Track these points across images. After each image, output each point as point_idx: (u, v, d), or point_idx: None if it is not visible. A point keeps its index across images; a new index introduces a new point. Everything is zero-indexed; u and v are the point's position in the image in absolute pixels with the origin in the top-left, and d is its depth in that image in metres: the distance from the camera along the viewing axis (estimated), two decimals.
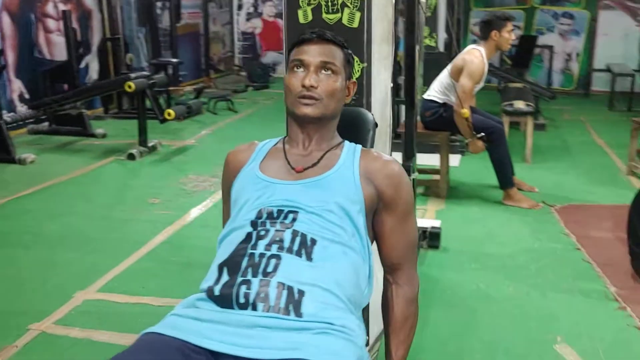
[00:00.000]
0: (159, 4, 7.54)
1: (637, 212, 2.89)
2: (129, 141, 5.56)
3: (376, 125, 1.73)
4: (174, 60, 7.03)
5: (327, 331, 1.13)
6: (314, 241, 1.26)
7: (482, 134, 3.90)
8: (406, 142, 2.79)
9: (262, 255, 1.23)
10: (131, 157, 5.01)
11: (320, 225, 1.28)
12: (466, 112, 3.79)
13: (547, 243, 3.38)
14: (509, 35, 3.98)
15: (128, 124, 6.32)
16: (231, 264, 1.24)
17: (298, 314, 1.15)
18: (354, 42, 2.00)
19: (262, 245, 1.25)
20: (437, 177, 4.25)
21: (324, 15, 2.01)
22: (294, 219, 1.28)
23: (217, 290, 1.21)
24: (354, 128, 1.66)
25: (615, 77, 7.65)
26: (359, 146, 1.47)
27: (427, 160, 4.38)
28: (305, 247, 1.24)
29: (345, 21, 2.00)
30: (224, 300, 1.19)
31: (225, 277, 1.23)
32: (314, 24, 2.03)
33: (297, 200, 1.31)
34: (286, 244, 1.24)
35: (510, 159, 4.09)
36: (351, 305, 1.23)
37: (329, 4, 2.00)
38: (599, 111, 7.56)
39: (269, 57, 10.42)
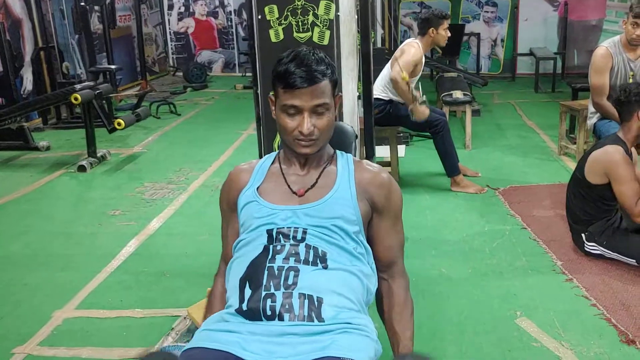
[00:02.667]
0: (93, 8, 7.40)
1: (573, 192, 3.18)
2: (75, 152, 5.51)
3: (356, 136, 1.88)
4: (113, 66, 6.94)
5: (347, 330, 1.31)
6: (324, 253, 1.42)
7: (424, 97, 4.12)
8: (366, 142, 2.96)
9: (280, 268, 1.38)
10: (82, 168, 4.97)
11: (327, 241, 1.45)
12: (406, 76, 4.00)
13: (497, 225, 3.66)
14: (445, 33, 4.23)
15: (70, 134, 6.24)
16: (252, 278, 1.39)
17: (320, 319, 1.31)
18: None
19: (279, 259, 1.40)
20: (388, 169, 4.46)
21: (295, 34, 2.16)
22: (304, 236, 1.44)
23: (245, 306, 1.35)
24: (337, 143, 1.78)
25: (538, 60, 8.12)
26: (350, 156, 1.62)
27: (376, 153, 4.58)
28: (319, 257, 1.41)
29: (315, 39, 2.15)
30: (253, 314, 1.33)
31: (248, 292, 1.37)
32: (286, 42, 2.17)
33: (304, 223, 1.47)
34: (302, 256, 1.40)
35: (454, 147, 4.35)
36: (361, 306, 1.40)
37: (300, 23, 2.14)
38: (525, 94, 8.01)
39: (204, 56, 10.39)
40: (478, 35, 9.03)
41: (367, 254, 1.51)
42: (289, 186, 1.55)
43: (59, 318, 2.75)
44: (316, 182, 1.55)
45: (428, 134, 4.69)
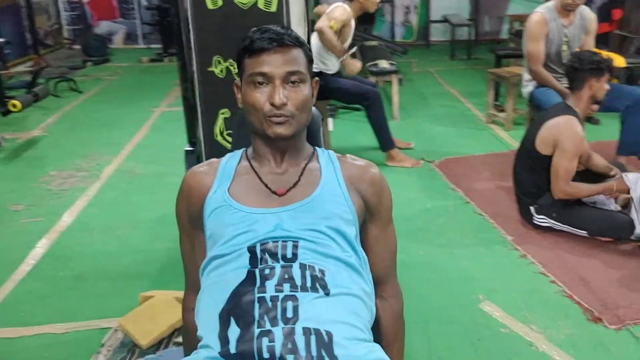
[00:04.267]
0: None
1: (521, 164, 3.09)
2: None
3: (323, 119, 1.62)
4: (0, 40, 6.17)
5: None
6: (322, 272, 1.14)
7: (354, 48, 3.94)
8: None
9: (274, 298, 1.08)
10: None
11: (321, 253, 1.16)
12: (334, 24, 3.81)
13: (439, 201, 3.52)
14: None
15: None
16: (239, 312, 1.08)
17: (333, 358, 1.03)
18: None
19: (271, 286, 1.10)
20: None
21: (237, 0, 1.83)
22: (294, 252, 1.15)
23: (233, 348, 1.04)
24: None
25: (454, 27, 8.11)
26: (332, 152, 1.36)
27: None
28: (317, 280, 1.12)
29: (261, 5, 1.84)
30: (244, 358, 1.03)
31: (235, 330, 1.06)
32: (225, 9, 1.85)
33: (290, 229, 1.18)
34: (298, 281, 1.11)
35: (387, 119, 4.17)
36: (369, 333, 1.14)
37: None
38: (442, 61, 8.00)
39: (103, 27, 9.59)
40: (391, 2, 8.90)
41: (365, 264, 1.25)
42: (265, 185, 1.26)
43: None
44: (299, 179, 1.27)
45: (358, 106, 4.49)
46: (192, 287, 1.34)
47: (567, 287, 2.56)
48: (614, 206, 3.01)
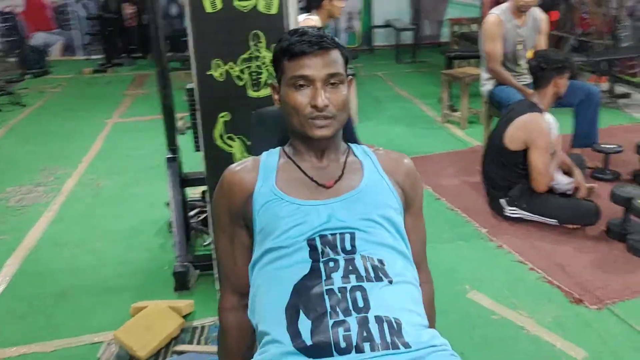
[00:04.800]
0: None
1: (491, 159, 3.21)
2: None
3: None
4: None
5: (436, 352, 1.07)
6: (381, 262, 1.17)
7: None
8: None
9: (342, 289, 1.10)
10: None
11: (377, 243, 1.19)
12: None
13: None
14: (340, 3, 4.06)
15: None
16: (308, 305, 1.09)
17: (406, 344, 1.06)
18: (274, 30, 1.89)
19: (337, 278, 1.11)
20: None
21: (236, 3, 1.84)
22: (353, 244, 1.17)
23: (308, 340, 1.05)
24: None
25: (399, 31, 8.30)
26: (365, 146, 1.39)
27: None
28: (379, 270, 1.15)
29: (261, 8, 1.85)
30: (321, 349, 1.04)
31: (306, 322, 1.07)
32: (225, 13, 1.85)
33: (344, 219, 1.20)
34: (362, 272, 1.13)
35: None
36: (426, 318, 1.18)
37: None
38: (388, 65, 8.16)
39: (38, 38, 9.25)
40: None
41: (408, 247, 1.29)
42: (311, 179, 1.27)
43: None
44: (342, 172, 1.29)
45: None
46: (231, 287, 1.34)
47: (546, 273, 2.68)
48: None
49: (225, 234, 1.32)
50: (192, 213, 3.20)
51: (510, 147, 3.06)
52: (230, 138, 1.96)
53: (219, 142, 1.96)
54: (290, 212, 1.21)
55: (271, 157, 1.34)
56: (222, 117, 1.93)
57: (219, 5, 1.83)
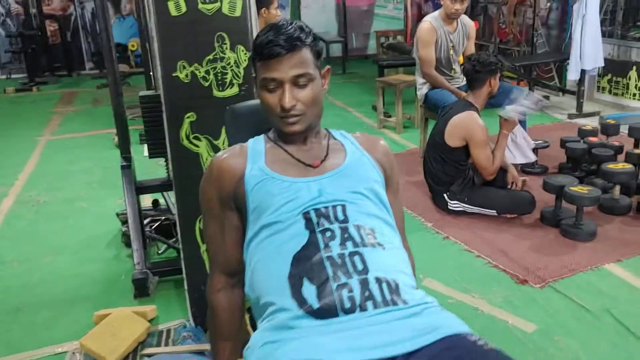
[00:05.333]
0: None
1: (433, 157, 3.39)
2: None
3: None
4: None
5: (429, 308, 1.18)
6: (372, 230, 1.26)
7: None
8: None
9: (341, 255, 1.18)
10: None
11: (366, 213, 1.28)
12: None
13: None
14: (276, 12, 4.17)
15: None
16: (311, 272, 1.17)
17: (404, 302, 1.16)
18: (238, 32, 1.96)
19: (335, 245, 1.20)
20: None
21: (201, 6, 1.90)
22: (345, 214, 1.26)
23: (315, 304, 1.13)
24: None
25: (328, 44, 8.51)
26: (343, 131, 1.49)
27: None
28: (372, 237, 1.24)
29: (225, 10, 1.92)
30: (327, 311, 1.12)
31: (310, 288, 1.15)
32: (190, 15, 1.90)
33: (335, 193, 1.28)
34: (357, 239, 1.22)
35: None
36: (415, 281, 1.28)
37: None
38: None
39: None
40: None
41: (394, 223, 1.39)
42: (298, 160, 1.36)
43: None
44: (327, 152, 1.38)
45: None
46: (220, 268, 1.40)
47: (491, 259, 2.86)
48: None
49: (215, 218, 1.37)
50: (145, 222, 3.19)
51: (450, 145, 3.25)
52: (196, 138, 2.01)
53: (185, 143, 2.00)
54: (282, 190, 1.29)
55: (258, 143, 1.41)
56: (188, 117, 1.98)
57: (184, 9, 1.89)
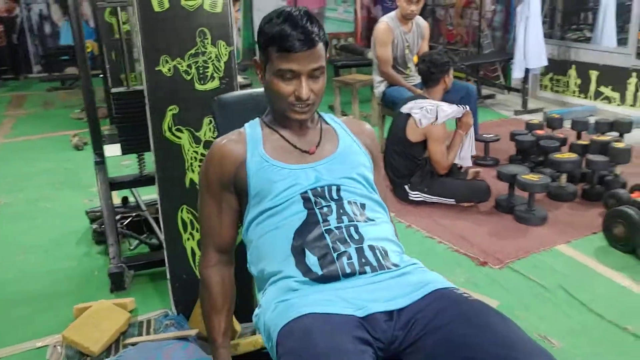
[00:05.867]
0: None
1: (394, 150, 3.55)
2: None
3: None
4: None
5: (418, 268, 1.36)
6: (363, 206, 1.40)
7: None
8: None
9: (338, 228, 1.32)
10: None
11: (358, 194, 1.42)
12: None
13: None
14: (237, 14, 4.26)
15: None
16: (312, 244, 1.30)
17: (395, 265, 1.32)
18: (220, 27, 2.05)
19: (332, 219, 1.33)
20: None
21: (183, 2, 1.98)
22: (339, 193, 1.39)
23: (318, 271, 1.26)
24: (260, 111, 1.60)
25: None
26: (331, 115, 1.61)
27: None
28: (364, 212, 1.38)
29: (207, 7, 2.01)
30: (330, 277, 1.26)
31: (312, 258, 1.28)
32: (172, 11, 1.98)
33: (329, 178, 1.40)
34: (351, 214, 1.35)
35: None
36: (401, 248, 1.43)
37: None
38: None
39: None
40: None
41: (381, 201, 1.52)
42: (295, 147, 1.46)
43: None
44: (320, 138, 1.50)
45: None
46: (213, 246, 1.50)
47: (452, 244, 3.04)
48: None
49: (214, 198, 1.47)
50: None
51: (411, 139, 3.42)
52: (178, 130, 2.08)
53: (167, 135, 2.08)
54: (282, 176, 1.40)
55: (254, 129, 1.51)
56: (171, 110, 2.06)
57: (167, 5, 1.96)
